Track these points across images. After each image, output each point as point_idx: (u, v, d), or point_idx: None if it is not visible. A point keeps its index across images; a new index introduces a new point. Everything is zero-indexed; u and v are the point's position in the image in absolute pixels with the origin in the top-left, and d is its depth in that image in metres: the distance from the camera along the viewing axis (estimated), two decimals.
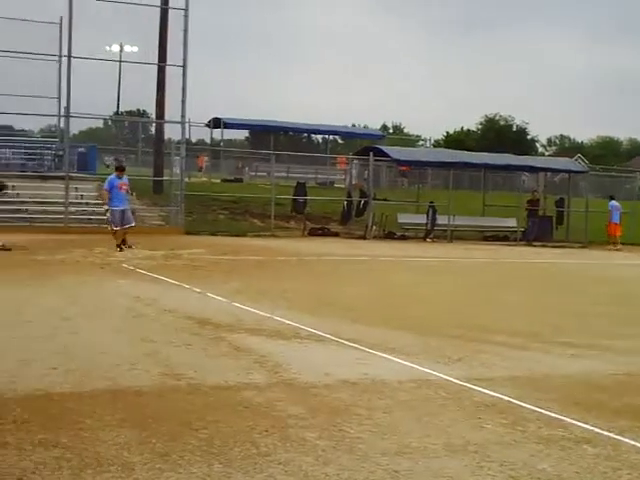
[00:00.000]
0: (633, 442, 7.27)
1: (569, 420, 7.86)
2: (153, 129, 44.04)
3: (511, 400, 8.53)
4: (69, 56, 30.02)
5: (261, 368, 9.52)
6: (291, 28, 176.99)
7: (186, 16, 31.28)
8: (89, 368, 9.18)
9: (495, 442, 7.13)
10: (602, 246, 35.73)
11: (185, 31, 31.07)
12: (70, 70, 29.99)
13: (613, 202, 37.24)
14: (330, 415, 7.71)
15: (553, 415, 8.02)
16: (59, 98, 38.44)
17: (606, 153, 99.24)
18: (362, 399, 8.35)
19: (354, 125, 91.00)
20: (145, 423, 7.21)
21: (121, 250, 22.28)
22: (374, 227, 34.76)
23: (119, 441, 6.68)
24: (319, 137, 78.95)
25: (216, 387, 8.60)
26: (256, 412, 7.71)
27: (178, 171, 34.03)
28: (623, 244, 36.37)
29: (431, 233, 35.55)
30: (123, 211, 23.11)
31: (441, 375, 9.56)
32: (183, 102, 31.33)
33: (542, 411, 8.14)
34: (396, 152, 39.27)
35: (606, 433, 7.52)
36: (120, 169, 24.46)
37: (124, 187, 23.25)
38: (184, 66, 31.09)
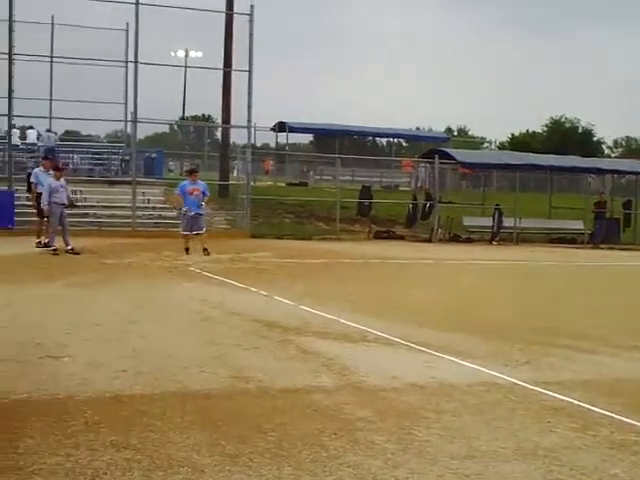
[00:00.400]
0: None
1: None
2: (218, 134, 44.33)
3: (581, 404, 8.45)
4: (136, 62, 30.26)
5: (329, 371, 9.53)
6: (354, 29, 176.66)
7: (251, 21, 31.40)
8: (158, 371, 9.26)
9: (565, 446, 7.07)
10: None
11: (250, 36, 31.16)
12: (137, 76, 30.25)
13: None
14: (398, 418, 7.70)
15: (625, 420, 7.93)
16: (126, 104, 38.87)
17: None
18: (430, 402, 8.33)
19: (418, 128, 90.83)
20: (214, 425, 7.26)
21: (187, 254, 22.38)
22: (439, 230, 34.63)
23: (189, 443, 6.74)
24: (383, 140, 78.91)
25: (284, 390, 8.63)
26: (324, 415, 7.73)
27: (243, 175, 34.17)
28: None
29: (497, 236, 35.31)
30: (193, 217, 23.05)
31: (509, 378, 9.50)
32: (249, 107, 31.43)
33: (613, 415, 8.05)
34: (461, 155, 39.10)
35: None
36: (191, 172, 24.47)
37: (195, 192, 23.12)
38: (250, 71, 31.21)
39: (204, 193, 23.41)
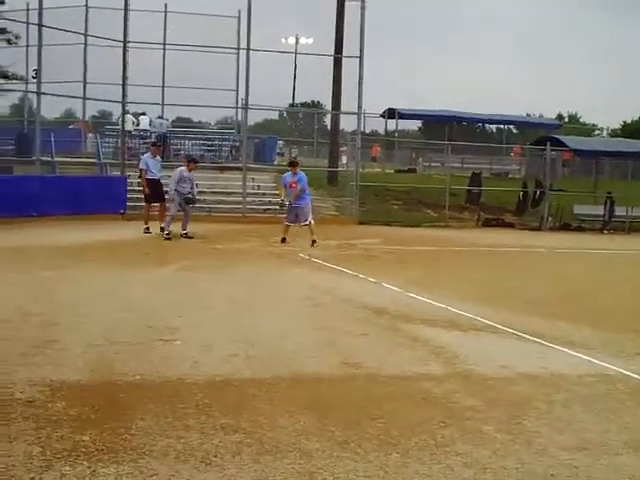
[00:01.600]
0: None
1: None
2: (327, 120, 44.40)
3: None
4: (248, 49, 30.49)
5: (438, 359, 9.52)
6: (460, 15, 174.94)
7: (363, 8, 31.36)
8: (268, 355, 9.36)
9: None
10: None
11: (362, 22, 31.11)
12: (249, 62, 30.43)
13: None
14: (508, 408, 7.66)
15: None
16: (237, 90, 39.23)
17: None
18: (540, 393, 8.27)
19: (528, 115, 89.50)
20: (323, 411, 7.31)
21: (282, 242, 22.09)
22: (549, 218, 34.17)
23: (298, 428, 6.81)
24: (493, 127, 78.08)
25: (393, 377, 8.65)
26: (433, 403, 7.73)
27: (352, 162, 34.16)
28: None
29: (608, 224, 34.70)
30: (294, 208, 22.78)
31: (621, 370, 9.37)
32: (360, 93, 31.38)
33: None
34: (574, 142, 38.53)
35: None
36: (291, 164, 23.97)
37: (293, 185, 22.76)
38: (361, 57, 31.14)
39: (300, 182, 22.93)
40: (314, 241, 21.89)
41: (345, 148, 37.44)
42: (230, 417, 6.99)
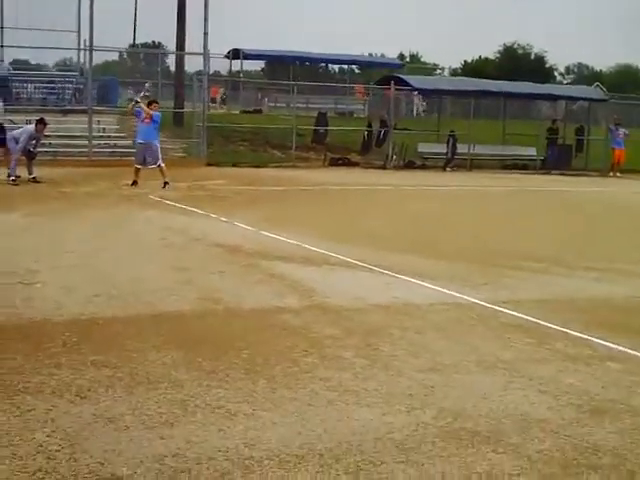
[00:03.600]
0: None
1: (594, 339, 8.19)
2: (169, 61, 44.00)
3: (538, 321, 8.85)
4: None
5: (295, 292, 9.87)
6: None
7: None
8: (129, 294, 9.54)
9: (524, 360, 7.46)
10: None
11: None
12: (93, 3, 29.89)
13: (612, 127, 36.69)
14: (364, 336, 8.05)
15: (578, 335, 8.35)
16: (78, 32, 38.50)
17: (625, 81, 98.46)
18: (394, 321, 8.70)
19: (371, 54, 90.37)
20: (189, 344, 7.56)
21: (132, 185, 21.95)
22: (394, 157, 34.88)
23: (166, 361, 7.04)
24: (336, 67, 78.74)
25: (253, 310, 8.96)
26: (294, 333, 8.06)
27: (198, 103, 33.98)
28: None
29: (451, 162, 35.65)
30: (143, 147, 22.88)
31: (469, 298, 9.88)
32: (205, 33, 31.20)
33: (568, 331, 8.47)
34: (417, 81, 39.29)
35: (630, 351, 7.86)
36: (150, 104, 23.37)
37: (147, 119, 22.63)
38: None
39: (155, 121, 22.89)
40: (166, 183, 21.87)
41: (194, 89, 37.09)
42: (99, 354, 7.15)
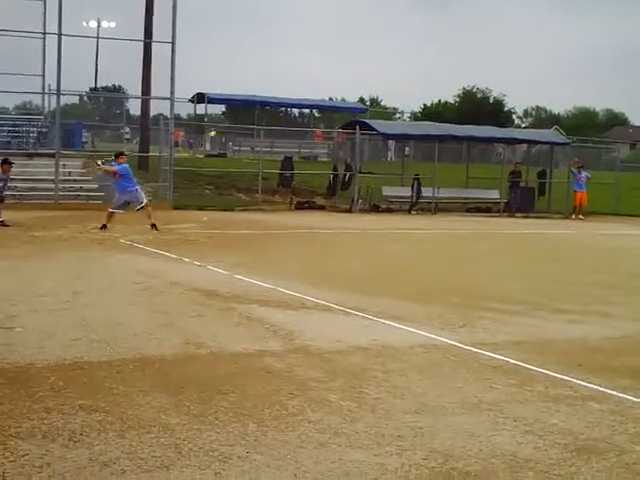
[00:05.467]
0: (635, 398, 7.79)
1: (574, 380, 8.35)
2: (129, 105, 44.15)
3: (517, 362, 9.00)
4: (59, 34, 29.99)
5: (275, 336, 9.93)
6: (272, 5, 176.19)
7: None
8: (110, 338, 9.54)
9: (506, 400, 7.59)
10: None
11: (174, 8, 31.00)
12: (61, 48, 29.90)
13: (575, 170, 37.17)
14: (348, 378, 8.14)
15: (558, 376, 8.50)
16: (43, 75, 38.46)
17: (583, 124, 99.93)
18: (376, 363, 8.79)
19: (331, 99, 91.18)
20: (175, 388, 7.61)
21: (102, 228, 21.80)
22: (359, 200, 35.10)
23: (155, 405, 7.08)
24: (295, 111, 79.41)
25: (236, 354, 9.01)
26: (278, 376, 8.13)
27: (164, 147, 34.04)
28: (608, 214, 36.92)
29: (416, 205, 35.93)
30: (126, 197, 22.75)
31: (447, 340, 10.01)
32: (172, 78, 31.36)
33: (548, 372, 8.62)
34: (382, 126, 39.63)
35: (609, 391, 8.02)
36: (117, 156, 23.42)
37: (116, 176, 22.76)
38: (173, 43, 31.09)
39: (122, 175, 22.79)
40: (153, 225, 22.11)
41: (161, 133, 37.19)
42: (87, 398, 7.18)
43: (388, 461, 5.96)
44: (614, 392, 7.97)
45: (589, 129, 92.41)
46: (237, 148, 52.41)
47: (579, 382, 8.27)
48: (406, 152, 45.44)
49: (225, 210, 31.56)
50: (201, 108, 57.92)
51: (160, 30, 32.71)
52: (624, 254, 22.82)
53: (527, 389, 7.99)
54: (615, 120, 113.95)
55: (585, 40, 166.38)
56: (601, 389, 8.06)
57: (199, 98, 54.37)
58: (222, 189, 36.40)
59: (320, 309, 11.85)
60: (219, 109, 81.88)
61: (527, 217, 35.70)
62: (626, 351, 10.05)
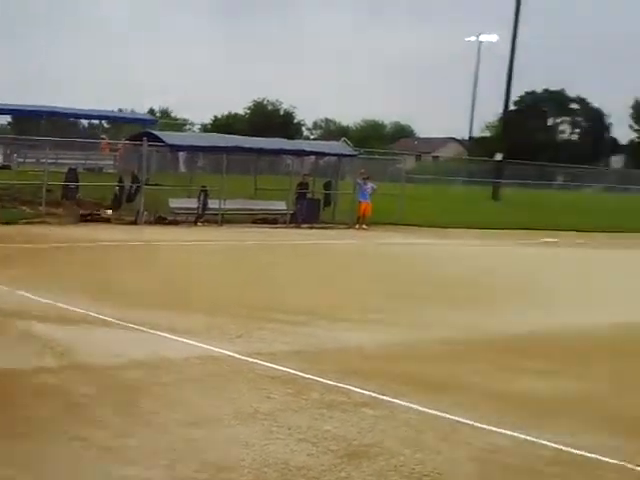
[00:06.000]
0: (406, 403, 8.05)
1: (348, 387, 8.55)
2: None
3: (294, 372, 9.14)
4: None
5: (52, 352, 9.73)
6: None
7: None
8: None
9: (282, 409, 7.72)
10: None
11: None
12: None
13: (360, 181, 38.01)
14: (124, 393, 8.10)
15: (333, 383, 8.70)
16: None
17: (370, 136, 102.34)
18: (153, 376, 8.78)
19: (121, 110, 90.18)
20: None
21: None
22: (145, 212, 34.72)
23: None
24: (85, 122, 78.22)
25: (9, 372, 8.78)
26: (51, 394, 7.99)
27: None
28: (392, 224, 37.81)
29: (202, 217, 35.84)
30: None
31: (223, 351, 10.08)
32: None
33: (324, 380, 8.81)
34: (170, 137, 39.34)
35: (381, 396, 8.26)
36: None
37: None
38: None
39: None
40: None
41: None
42: None
43: (155, 475, 5.95)
44: (387, 397, 8.22)
45: (376, 141, 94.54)
46: (22, 160, 51.04)
47: (354, 389, 8.49)
48: (198, 164, 45.33)
49: (7, 223, 30.65)
50: None
51: None
52: (402, 262, 23.39)
53: (303, 398, 8.13)
54: (402, 132, 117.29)
55: (377, 54, 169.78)
56: (374, 395, 8.30)
57: None
58: (5, 202, 35.36)
59: (100, 324, 11.67)
60: (5, 120, 79.73)
61: (312, 228, 36.12)
62: (399, 357, 10.38)
